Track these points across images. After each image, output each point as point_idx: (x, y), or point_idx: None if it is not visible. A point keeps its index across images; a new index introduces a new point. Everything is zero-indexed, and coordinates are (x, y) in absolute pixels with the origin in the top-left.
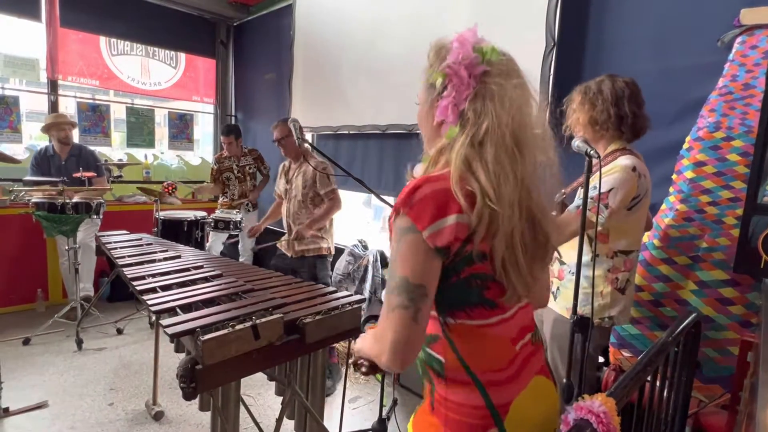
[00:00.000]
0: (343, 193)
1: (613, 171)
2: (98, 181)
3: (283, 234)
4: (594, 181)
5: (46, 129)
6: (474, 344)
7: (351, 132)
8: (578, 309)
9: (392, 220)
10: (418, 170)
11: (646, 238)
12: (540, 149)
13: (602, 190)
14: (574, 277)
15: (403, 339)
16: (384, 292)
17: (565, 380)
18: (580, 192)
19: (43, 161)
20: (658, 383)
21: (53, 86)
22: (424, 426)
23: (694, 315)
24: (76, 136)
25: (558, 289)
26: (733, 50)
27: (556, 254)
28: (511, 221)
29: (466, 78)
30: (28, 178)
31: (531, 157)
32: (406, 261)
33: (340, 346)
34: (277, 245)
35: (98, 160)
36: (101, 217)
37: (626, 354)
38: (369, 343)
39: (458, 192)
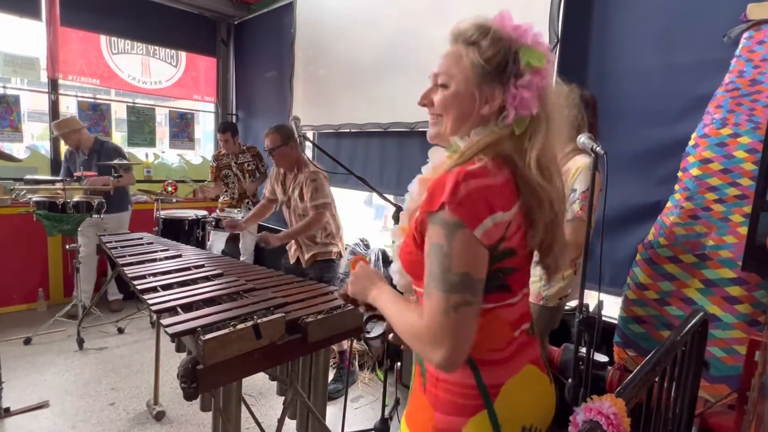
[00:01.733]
0: (344, 192)
1: (581, 170)
2: (127, 176)
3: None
4: (570, 183)
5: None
6: None
7: (352, 130)
8: (540, 291)
9: (430, 214)
10: (439, 157)
11: (651, 236)
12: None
13: (582, 189)
14: (536, 266)
15: (468, 338)
16: (433, 289)
17: (570, 380)
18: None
19: (71, 158)
20: (665, 383)
21: (54, 85)
22: (416, 408)
23: (701, 314)
24: None
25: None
26: (740, 46)
27: None
28: (548, 215)
29: (548, 69)
30: (29, 177)
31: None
32: (464, 256)
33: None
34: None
35: (123, 156)
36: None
37: (631, 353)
38: (406, 323)
39: (524, 189)
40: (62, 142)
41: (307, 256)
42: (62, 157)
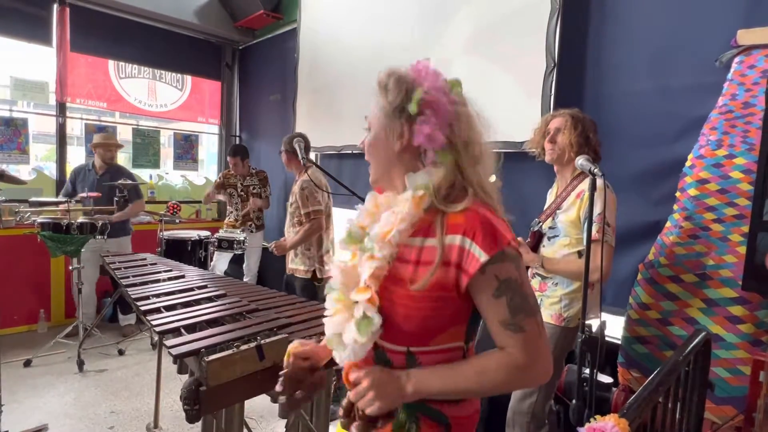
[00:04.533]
0: (345, 212)
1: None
2: (135, 204)
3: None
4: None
5: (94, 146)
6: None
7: (354, 152)
8: (561, 312)
9: (492, 257)
10: (407, 197)
11: (652, 255)
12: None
13: (598, 212)
14: (557, 288)
15: None
16: (523, 320)
17: (575, 401)
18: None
19: (78, 176)
20: (669, 404)
21: (62, 108)
22: None
23: (703, 333)
24: (82, 155)
25: (542, 300)
26: (732, 70)
27: (535, 270)
28: None
29: (446, 104)
30: (34, 199)
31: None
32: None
33: None
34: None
35: (133, 181)
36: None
37: (635, 374)
38: (494, 375)
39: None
40: (97, 156)
41: (289, 266)
42: (68, 176)
